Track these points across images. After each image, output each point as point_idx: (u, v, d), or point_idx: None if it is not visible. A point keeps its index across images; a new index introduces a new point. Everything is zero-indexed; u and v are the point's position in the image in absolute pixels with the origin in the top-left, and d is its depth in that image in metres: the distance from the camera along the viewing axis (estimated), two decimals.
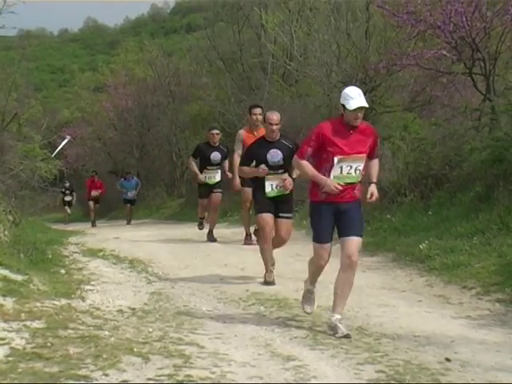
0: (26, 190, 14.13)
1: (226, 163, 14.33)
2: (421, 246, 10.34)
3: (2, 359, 5.27)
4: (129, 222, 25.29)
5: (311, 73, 19.72)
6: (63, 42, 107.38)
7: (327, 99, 20.06)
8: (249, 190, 12.02)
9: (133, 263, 11.06)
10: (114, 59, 44.43)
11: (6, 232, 10.06)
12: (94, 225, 24.98)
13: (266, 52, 24.29)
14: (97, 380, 4.91)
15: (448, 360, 5.62)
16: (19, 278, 7.92)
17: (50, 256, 10.90)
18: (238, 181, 12.73)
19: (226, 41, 27.20)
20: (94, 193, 26.57)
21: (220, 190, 14.56)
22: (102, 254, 12.28)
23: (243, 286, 8.95)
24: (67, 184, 30.19)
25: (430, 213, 11.96)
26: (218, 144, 14.19)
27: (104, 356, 5.45)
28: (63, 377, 4.90)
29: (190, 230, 17.21)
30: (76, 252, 12.71)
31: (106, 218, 30.06)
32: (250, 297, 8.33)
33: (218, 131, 14.24)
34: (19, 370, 5.03)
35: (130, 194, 26.03)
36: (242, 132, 12.82)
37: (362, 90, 6.68)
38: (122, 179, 27.06)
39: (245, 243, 13.16)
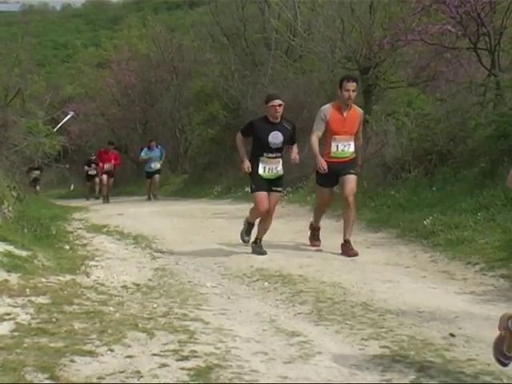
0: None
1: (294, 149, 9.77)
2: (425, 222, 10.32)
3: (8, 334, 5.29)
4: (149, 198, 23.57)
5: (315, 48, 19.62)
6: (66, 17, 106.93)
7: (331, 75, 19.99)
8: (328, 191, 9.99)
9: (137, 239, 11.09)
10: (116, 35, 44.27)
11: (11, 208, 10.08)
12: (106, 201, 23.74)
13: (270, 27, 24.17)
14: (102, 355, 4.93)
15: (452, 335, 5.63)
16: (24, 253, 7.94)
17: (55, 232, 10.94)
18: (323, 162, 9.50)
19: (229, 16, 27.05)
20: (107, 166, 24.51)
21: (281, 189, 10.08)
22: (106, 230, 12.31)
23: (248, 262, 8.95)
24: (93, 157, 27.51)
25: (434, 189, 11.94)
26: (279, 120, 9.53)
27: (109, 331, 5.47)
28: (68, 352, 4.92)
29: (194, 206, 17.25)
30: (80, 228, 12.74)
31: (110, 195, 29.97)
32: (254, 273, 8.34)
33: (280, 101, 9.44)
34: (24, 345, 5.05)
35: (154, 165, 23.96)
36: (327, 108, 9.68)
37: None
38: (146, 148, 24.65)
39: (311, 243, 10.32)
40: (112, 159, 24.74)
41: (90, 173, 27.53)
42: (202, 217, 14.23)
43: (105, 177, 24.53)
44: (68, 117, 26.69)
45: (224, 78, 25.69)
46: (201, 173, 26.25)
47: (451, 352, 5.20)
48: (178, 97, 31.43)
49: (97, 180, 26.86)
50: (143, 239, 11.08)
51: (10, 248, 7.88)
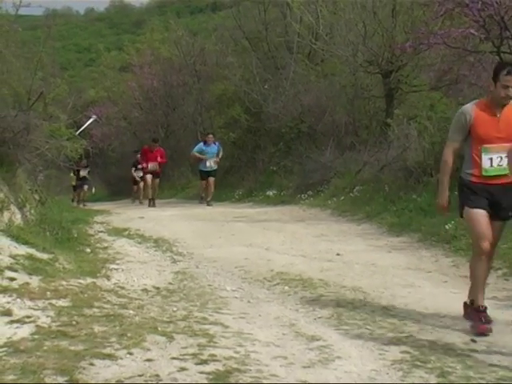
0: (51, 169, 14.19)
1: None
2: (447, 227, 10.26)
3: (28, 337, 5.31)
4: (202, 199, 20.67)
5: (337, 52, 19.60)
6: (89, 21, 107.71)
7: (353, 78, 19.97)
8: None
9: (157, 242, 11.10)
10: (139, 39, 44.43)
11: (33, 211, 10.11)
12: (152, 204, 21.15)
13: (292, 31, 24.19)
14: (121, 358, 4.93)
15: (474, 341, 5.59)
16: (45, 256, 7.96)
17: (76, 235, 10.96)
18: (444, 200, 6.78)
19: (251, 20, 27.10)
20: (152, 165, 21.57)
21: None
22: (127, 233, 12.34)
23: (268, 266, 8.94)
24: (139, 155, 24.07)
25: (456, 193, 11.85)
26: None
27: (128, 335, 5.47)
28: (88, 355, 4.93)
29: (215, 210, 17.24)
30: (101, 231, 12.77)
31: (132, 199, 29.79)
32: (274, 276, 8.32)
33: None
34: (44, 347, 5.07)
35: (209, 164, 20.44)
36: (470, 108, 6.54)
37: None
38: (202, 143, 20.93)
39: (478, 328, 5.99)
40: (158, 156, 21.71)
41: (136, 174, 24.59)
42: (223, 220, 14.22)
43: (149, 177, 21.70)
44: (90, 120, 26.57)
45: (246, 82, 25.70)
46: (222, 176, 26.21)
47: (472, 358, 5.16)
48: (199, 100, 31.44)
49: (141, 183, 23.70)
50: (164, 242, 11.09)
51: (32, 251, 7.91)
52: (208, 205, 19.80)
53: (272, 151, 23.46)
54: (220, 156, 20.77)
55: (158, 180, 22.00)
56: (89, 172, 27.34)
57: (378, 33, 18.02)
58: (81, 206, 24.98)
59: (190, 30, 36.97)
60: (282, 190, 20.09)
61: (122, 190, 32.40)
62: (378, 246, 10.50)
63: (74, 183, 27.43)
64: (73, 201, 26.59)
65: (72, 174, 26.56)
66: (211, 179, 20.48)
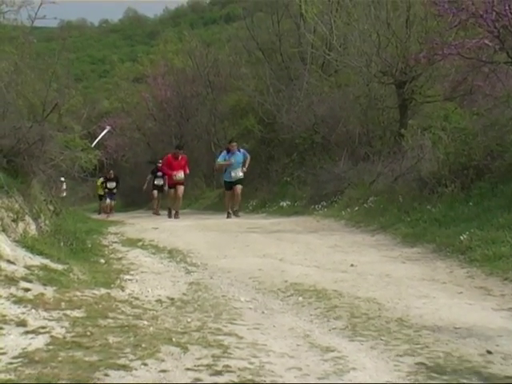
0: (66, 180, 14.26)
1: None
2: (461, 237, 10.22)
3: (43, 348, 5.31)
4: (229, 214, 18.96)
5: (350, 63, 19.62)
6: (103, 32, 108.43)
7: (366, 89, 20.00)
8: None
9: (172, 253, 11.10)
10: (153, 50, 44.80)
11: (47, 221, 10.15)
12: (176, 216, 20.34)
13: (305, 42, 24.26)
14: (136, 369, 4.92)
15: (490, 352, 5.54)
16: (59, 267, 7.98)
17: (90, 245, 10.98)
18: None
19: (265, 31, 27.22)
20: (178, 174, 20.53)
21: None
22: (141, 243, 12.35)
23: (282, 277, 8.91)
24: (160, 164, 23.30)
25: (471, 203, 11.83)
26: None
27: (143, 345, 5.46)
28: (102, 366, 4.92)
29: (229, 220, 17.24)
30: (115, 242, 12.80)
31: (145, 208, 29.93)
32: (288, 287, 8.30)
33: None
34: (59, 358, 5.06)
35: (234, 174, 19.15)
36: None
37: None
38: (224, 152, 19.80)
39: None
40: (183, 166, 20.70)
41: (156, 183, 24.32)
42: (237, 231, 14.21)
43: (180, 188, 20.69)
44: (105, 131, 26.69)
45: (259, 93, 25.77)
46: None
47: (488, 369, 5.13)
48: (213, 111, 31.56)
49: (165, 191, 22.86)
50: (178, 253, 11.09)
51: (46, 261, 7.94)
52: (236, 215, 18.87)
53: (286, 162, 23.51)
54: (247, 164, 19.43)
55: (182, 189, 20.99)
56: (117, 185, 27.44)
57: (392, 43, 18.03)
58: (105, 217, 25.04)
59: (204, 41, 37.21)
60: (296, 200, 20.10)
61: (136, 200, 32.51)
62: (392, 256, 10.46)
63: (101, 192, 27.58)
64: (99, 213, 26.67)
65: (99, 183, 26.70)
66: (238, 187, 19.25)
